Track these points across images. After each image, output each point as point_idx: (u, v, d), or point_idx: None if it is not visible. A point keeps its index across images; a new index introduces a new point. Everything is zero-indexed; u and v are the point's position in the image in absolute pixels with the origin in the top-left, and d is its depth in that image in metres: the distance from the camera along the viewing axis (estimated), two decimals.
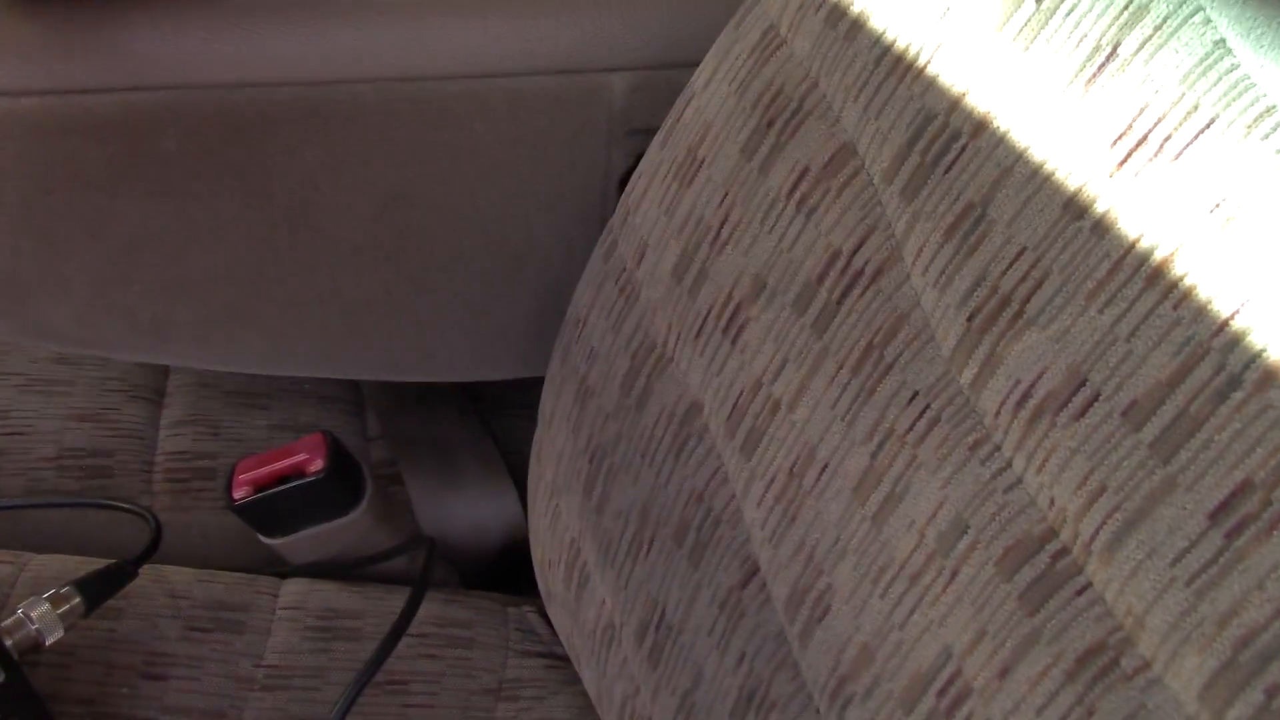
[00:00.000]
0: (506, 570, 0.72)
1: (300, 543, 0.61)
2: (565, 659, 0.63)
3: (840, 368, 0.40)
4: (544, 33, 0.55)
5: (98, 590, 0.56)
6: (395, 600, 0.63)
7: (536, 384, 0.66)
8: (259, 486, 0.59)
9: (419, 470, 0.70)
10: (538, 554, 0.60)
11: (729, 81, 0.47)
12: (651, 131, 0.59)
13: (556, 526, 0.56)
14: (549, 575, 0.58)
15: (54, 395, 0.69)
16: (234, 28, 0.52)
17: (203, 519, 0.67)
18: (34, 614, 0.54)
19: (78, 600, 0.55)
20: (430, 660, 0.60)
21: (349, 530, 0.62)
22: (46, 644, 0.54)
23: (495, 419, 0.76)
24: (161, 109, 0.53)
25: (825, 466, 0.40)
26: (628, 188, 0.52)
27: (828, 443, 0.40)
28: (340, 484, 0.60)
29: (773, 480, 0.43)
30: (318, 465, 0.58)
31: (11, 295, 0.56)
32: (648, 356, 0.49)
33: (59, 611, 0.54)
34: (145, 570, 0.59)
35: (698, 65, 0.56)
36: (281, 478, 0.58)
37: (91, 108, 0.52)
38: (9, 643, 0.53)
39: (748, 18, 0.48)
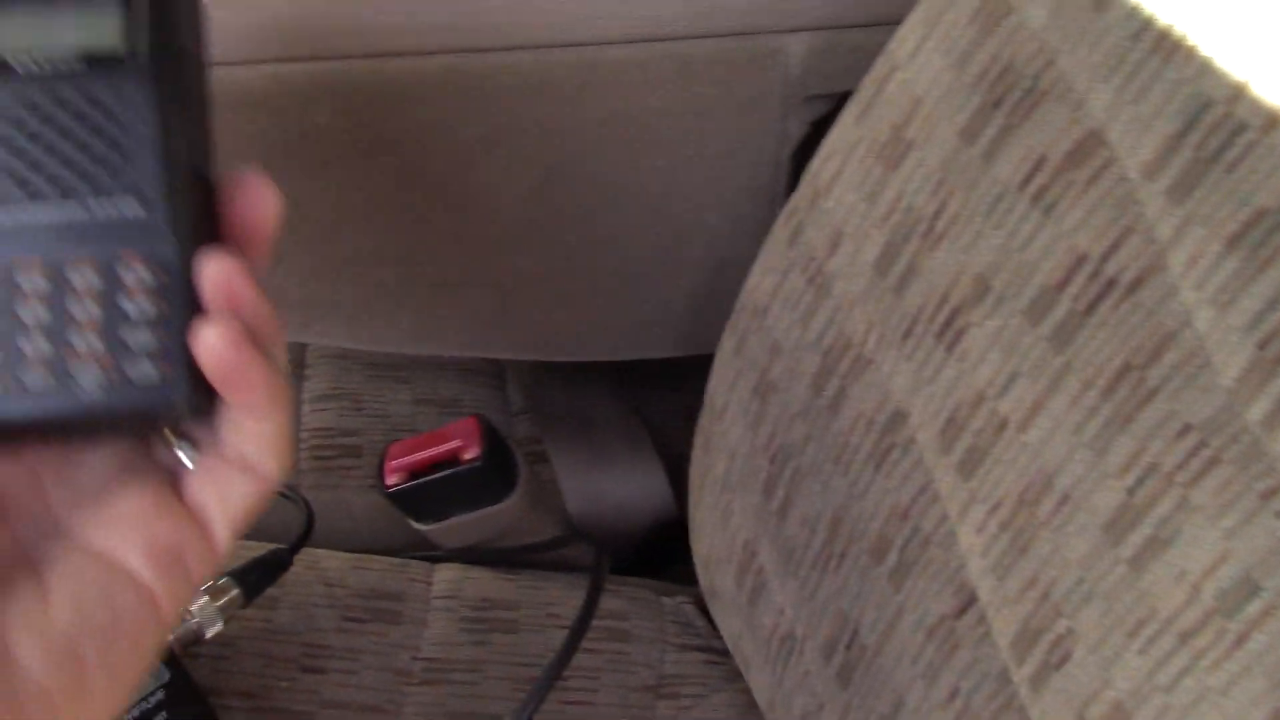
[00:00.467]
0: (652, 553, 0.70)
1: (451, 528, 0.59)
2: (724, 653, 0.61)
3: (1087, 388, 0.36)
4: None
5: (255, 580, 0.55)
6: (549, 590, 0.60)
7: (683, 359, 0.63)
8: (413, 473, 0.57)
9: (565, 448, 0.68)
10: (701, 548, 0.57)
11: (943, 53, 0.42)
12: (831, 98, 0.54)
13: (728, 525, 0.53)
14: (715, 573, 0.55)
15: None
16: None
17: (348, 498, 0.65)
18: (194, 607, 0.53)
19: (236, 592, 0.54)
20: (587, 655, 0.58)
21: (501, 516, 0.59)
22: (206, 637, 0.53)
23: (640, 394, 0.73)
24: (313, 81, 0.50)
25: (1066, 498, 0.36)
26: (815, 167, 0.48)
27: (1069, 471, 0.36)
28: (495, 472, 0.57)
29: (998, 505, 0.39)
30: (473, 453, 0.56)
31: None
32: (842, 356, 0.45)
33: (218, 604, 0.53)
34: (298, 556, 0.57)
35: (886, 24, 0.51)
36: (435, 464, 0.56)
37: (242, 80, 0.49)
38: (170, 638, 0.52)
39: None
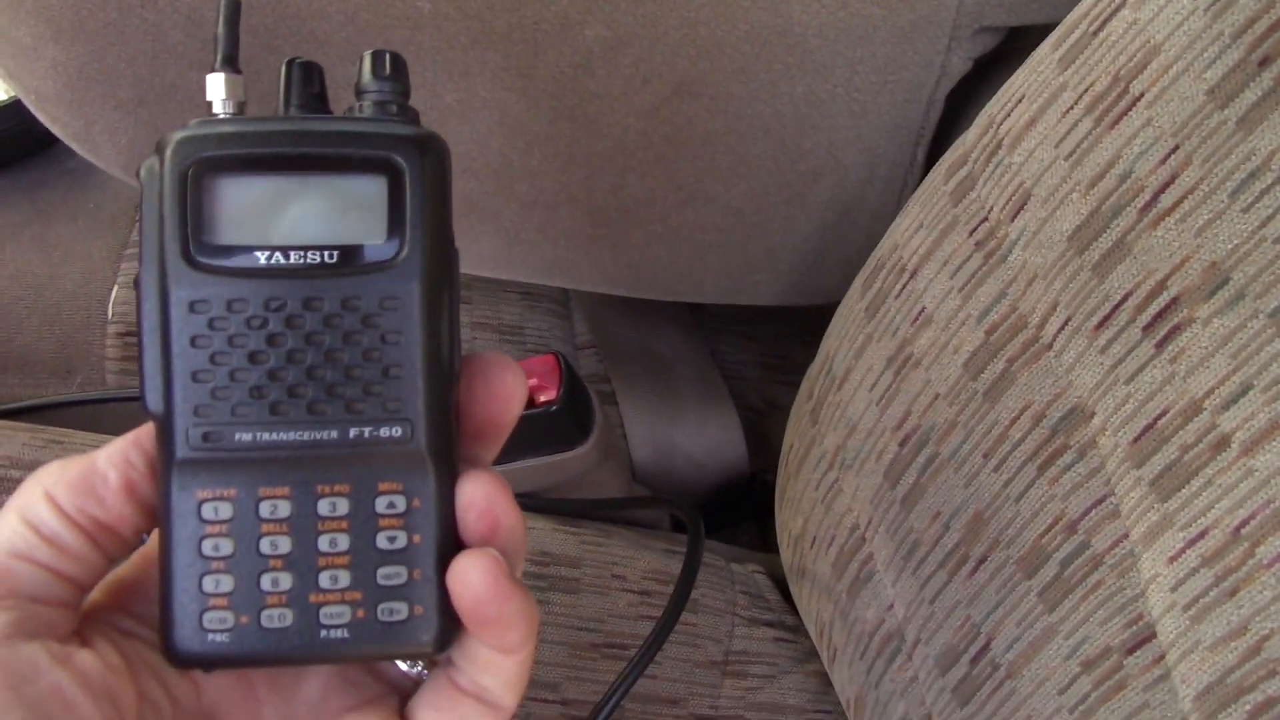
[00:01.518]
0: (719, 512, 0.65)
1: (520, 472, 0.54)
2: (796, 630, 0.56)
3: None
4: None
5: None
6: (611, 548, 0.55)
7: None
8: None
9: (635, 392, 0.62)
10: (793, 524, 0.51)
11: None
12: (1003, 32, 0.48)
13: (833, 505, 0.47)
14: (809, 553, 0.50)
15: None
16: None
17: None
18: None
19: None
20: (652, 624, 0.53)
21: (571, 464, 0.54)
22: None
23: (713, 338, 0.67)
24: None
25: None
26: (995, 111, 0.41)
27: None
28: (572, 417, 0.52)
29: (1203, 535, 0.33)
30: (551, 395, 0.50)
31: None
32: (1013, 336, 0.39)
33: None
34: None
35: None
36: None
37: None
38: None
39: None
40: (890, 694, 0.45)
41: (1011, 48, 0.48)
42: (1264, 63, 0.33)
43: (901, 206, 0.50)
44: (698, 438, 0.62)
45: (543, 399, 0.51)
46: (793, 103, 0.47)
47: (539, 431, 0.52)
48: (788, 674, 0.55)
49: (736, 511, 0.66)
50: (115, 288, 0.60)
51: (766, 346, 0.68)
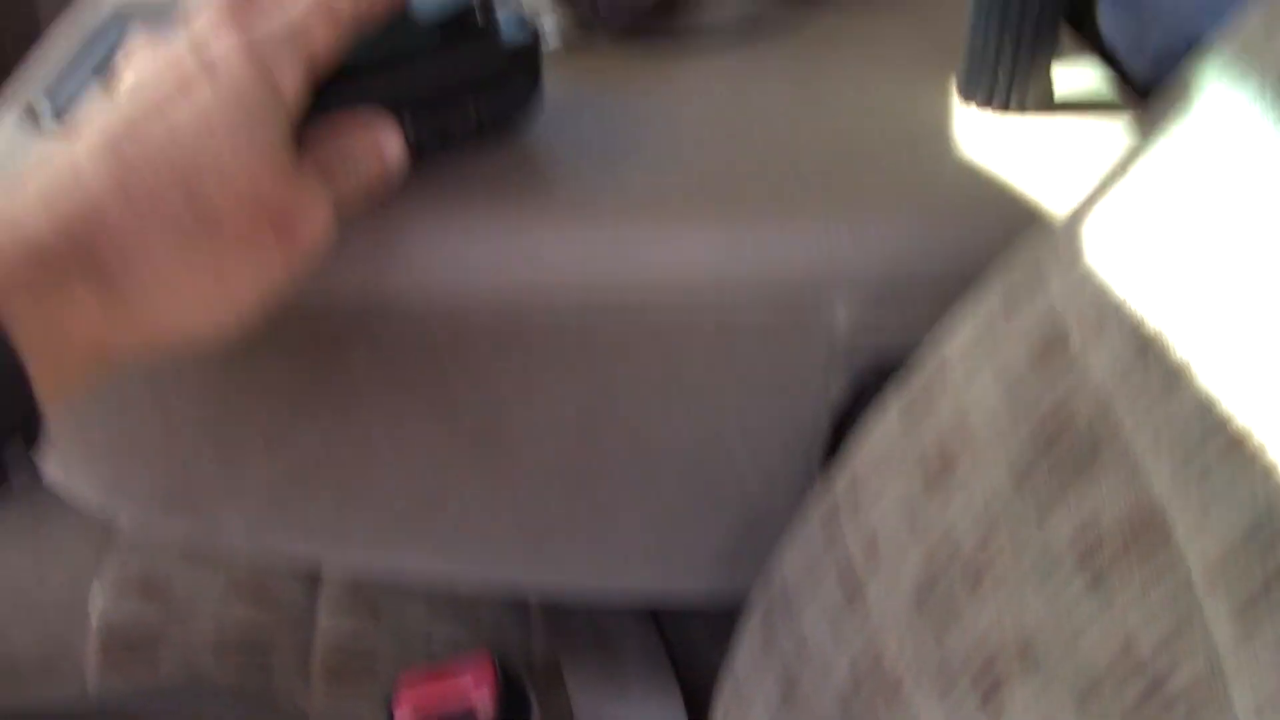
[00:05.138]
0: None
1: None
2: None
3: None
4: (766, 254, 0.49)
5: None
6: None
7: None
8: (422, 713, 0.55)
9: (582, 669, 0.65)
10: None
11: (998, 383, 0.40)
12: (876, 367, 0.53)
13: None
14: None
15: (215, 566, 0.66)
16: (426, 242, 0.48)
17: (359, 710, 0.63)
18: None
19: None
20: None
21: None
22: None
23: (664, 619, 0.70)
24: (348, 326, 0.49)
25: None
26: (856, 458, 0.46)
27: None
28: None
29: None
30: (485, 701, 0.54)
31: (186, 501, 0.54)
32: (877, 684, 0.42)
33: None
34: None
35: (934, 285, 0.50)
36: (446, 710, 0.54)
37: (278, 320, 0.48)
38: None
39: (1024, 307, 0.41)
40: None
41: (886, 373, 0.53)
42: (1051, 450, 0.37)
43: (804, 506, 0.55)
44: (640, 714, 0.65)
45: (478, 705, 0.54)
46: (689, 427, 0.52)
47: None
48: None
49: None
50: (93, 581, 0.65)
51: (717, 621, 0.72)
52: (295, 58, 0.42)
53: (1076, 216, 0.42)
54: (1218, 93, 0.38)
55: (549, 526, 0.55)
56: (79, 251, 0.37)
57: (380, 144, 0.45)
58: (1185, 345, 0.35)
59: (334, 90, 0.46)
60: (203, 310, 0.40)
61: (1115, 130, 0.54)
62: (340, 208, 0.44)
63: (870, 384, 0.53)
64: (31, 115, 0.53)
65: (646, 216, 0.49)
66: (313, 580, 0.67)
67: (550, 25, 0.52)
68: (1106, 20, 1.77)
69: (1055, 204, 0.49)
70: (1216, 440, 0.32)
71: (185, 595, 0.64)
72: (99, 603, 0.64)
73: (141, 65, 0.42)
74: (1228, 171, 0.36)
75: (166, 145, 0.38)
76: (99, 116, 0.40)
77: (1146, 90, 1.64)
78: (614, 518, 0.55)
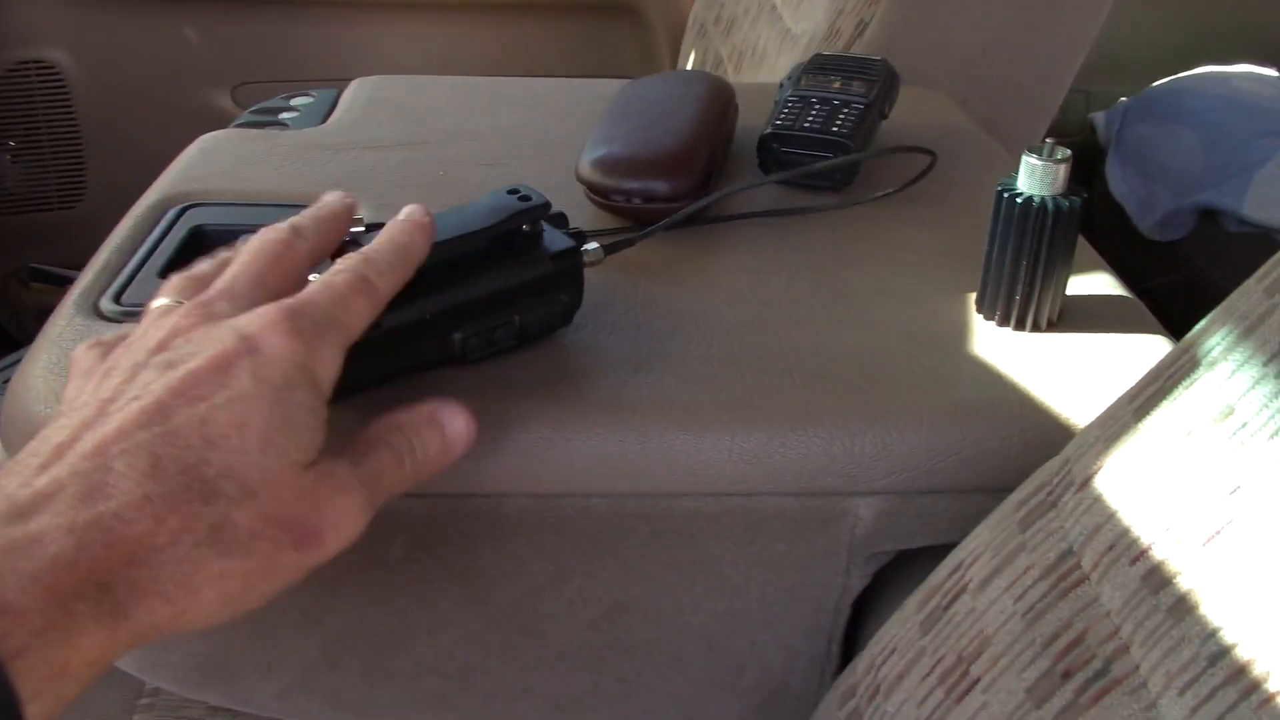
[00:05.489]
0: None
1: None
2: None
3: None
4: (790, 456, 0.51)
5: None
6: None
7: None
8: None
9: None
10: None
11: (1014, 597, 0.43)
12: (894, 553, 0.55)
13: None
14: None
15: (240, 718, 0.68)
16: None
17: None
18: None
19: None
20: None
21: None
22: None
23: None
24: (391, 516, 0.51)
25: None
26: (874, 653, 0.48)
27: None
28: None
29: None
30: None
31: (221, 672, 0.55)
32: None
33: None
34: None
35: (952, 490, 0.53)
36: None
37: None
38: None
39: (1038, 523, 0.44)
40: None
41: (906, 558, 0.56)
42: (1066, 675, 0.39)
43: (824, 690, 0.56)
44: None
45: None
46: (715, 615, 0.54)
47: None
48: None
49: None
50: None
51: None
52: (335, 339, 0.41)
53: (1086, 441, 0.45)
54: (1218, 364, 0.41)
55: (575, 703, 0.57)
56: (97, 574, 0.34)
57: (447, 437, 0.45)
58: (1190, 575, 0.37)
59: (386, 305, 0.49)
60: (207, 615, 0.38)
61: (1125, 348, 0.57)
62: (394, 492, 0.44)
63: (888, 571, 0.55)
64: (94, 309, 0.56)
65: (677, 423, 0.51)
66: None
67: (593, 244, 0.56)
68: (1115, 180, 1.83)
69: (1068, 419, 0.52)
70: (1223, 666, 0.35)
71: None
72: None
73: (187, 332, 0.40)
74: (1225, 429, 0.39)
75: (198, 444, 0.36)
76: (136, 392, 0.38)
77: (1153, 242, 1.67)
78: (639, 696, 0.57)
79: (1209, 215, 1.46)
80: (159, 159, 0.85)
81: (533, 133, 0.80)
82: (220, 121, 0.84)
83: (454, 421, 0.45)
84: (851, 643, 0.57)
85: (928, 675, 0.45)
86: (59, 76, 1.57)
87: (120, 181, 1.63)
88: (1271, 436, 0.37)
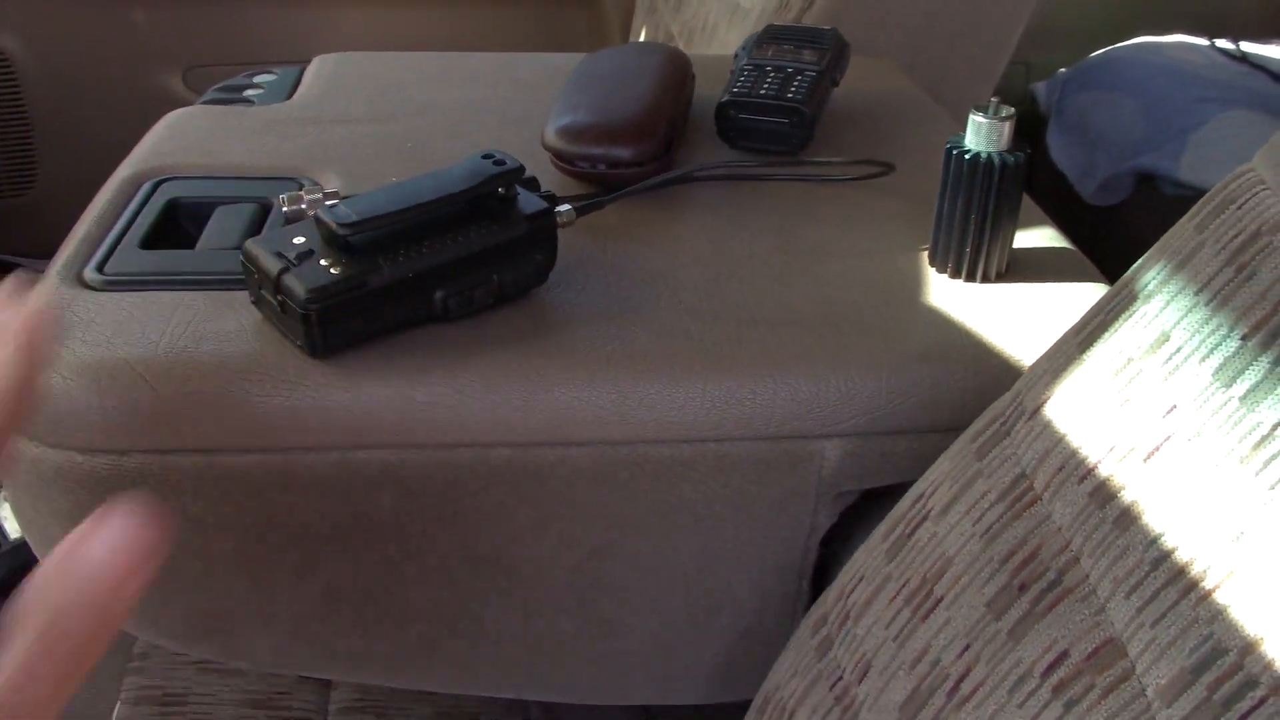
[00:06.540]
0: None
1: None
2: None
3: None
4: (760, 401, 0.54)
5: None
6: None
7: None
8: None
9: None
10: None
11: (972, 520, 0.46)
12: (858, 492, 0.58)
13: None
14: None
15: (229, 675, 0.69)
16: (453, 393, 0.53)
17: None
18: None
19: None
20: None
21: None
22: None
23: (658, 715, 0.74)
24: (379, 468, 0.53)
25: None
26: (845, 582, 0.51)
27: None
28: None
29: None
30: None
31: (219, 626, 0.57)
32: None
33: None
34: None
35: (912, 431, 0.56)
36: None
37: (311, 465, 0.53)
38: None
39: (993, 452, 0.47)
40: None
41: (870, 498, 0.59)
42: (1022, 588, 0.43)
43: (796, 625, 0.59)
44: None
45: None
46: (691, 556, 0.57)
47: None
48: None
49: None
50: (118, 704, 0.68)
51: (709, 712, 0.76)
52: None
53: (1035, 374, 0.48)
54: (1154, 296, 0.44)
55: (559, 645, 0.60)
56: None
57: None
58: (1133, 489, 0.41)
59: (370, 266, 0.51)
60: None
61: (1068, 295, 0.61)
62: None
63: (854, 511, 0.59)
64: (78, 279, 0.58)
65: (650, 372, 0.54)
66: (323, 686, 0.70)
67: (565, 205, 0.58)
68: (1056, 148, 1.87)
69: (1018, 361, 0.56)
70: (1164, 568, 0.38)
71: (201, 706, 0.67)
72: (120, 714, 0.67)
73: None
74: (1160, 359, 0.42)
75: None
76: None
77: (1094, 208, 1.71)
78: (619, 636, 0.60)
79: (1147, 180, 1.51)
80: (110, 144, 0.85)
81: (495, 105, 0.82)
82: (172, 104, 0.85)
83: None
84: (821, 582, 0.60)
85: (894, 598, 0.48)
86: (7, 63, 1.56)
87: (71, 167, 1.63)
88: (1202, 360, 0.40)
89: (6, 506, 0.75)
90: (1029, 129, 1.72)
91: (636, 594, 0.58)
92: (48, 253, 0.62)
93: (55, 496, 0.53)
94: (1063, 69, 1.74)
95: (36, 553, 0.57)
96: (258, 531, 0.54)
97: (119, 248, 0.61)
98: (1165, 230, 0.47)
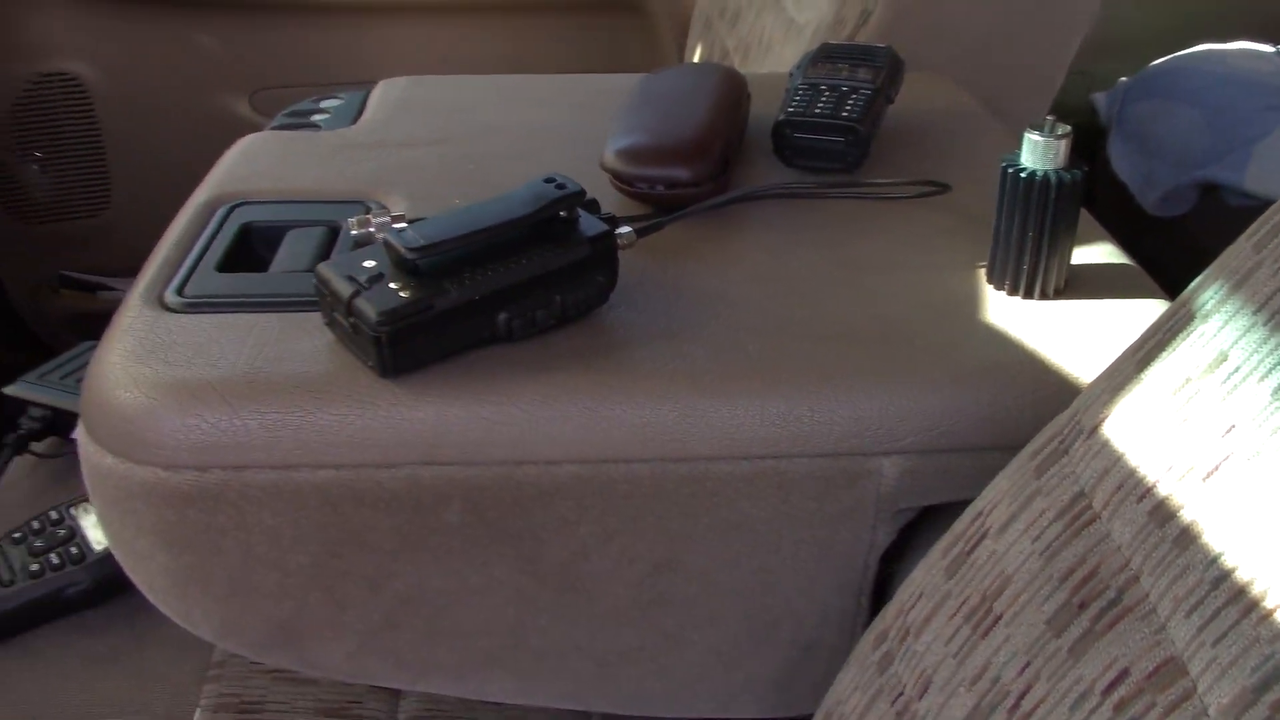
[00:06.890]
0: None
1: None
2: None
3: None
4: (818, 418, 0.55)
5: None
6: None
7: None
8: None
9: None
10: None
11: (1031, 538, 0.46)
12: (918, 509, 0.59)
13: None
14: None
15: (302, 684, 0.72)
16: (519, 411, 0.54)
17: None
18: None
19: None
20: None
21: None
22: None
23: None
24: (448, 483, 0.55)
25: None
26: (903, 599, 0.52)
27: None
28: None
29: None
30: None
31: (294, 636, 0.59)
32: None
33: None
34: None
35: (970, 448, 0.56)
36: None
37: (382, 481, 0.55)
38: None
39: (1051, 470, 0.47)
40: None
41: (929, 514, 0.59)
42: (1082, 606, 0.43)
43: (855, 641, 0.60)
44: None
45: None
46: (751, 572, 0.58)
47: None
48: None
49: None
50: (198, 710, 0.70)
51: None
52: None
53: (1093, 393, 0.49)
54: (1212, 316, 0.44)
55: (621, 658, 0.61)
56: None
57: None
58: (1193, 508, 0.41)
59: (437, 289, 0.52)
60: None
61: (1127, 312, 0.61)
62: None
63: (913, 527, 0.59)
64: (159, 301, 0.60)
65: (710, 390, 0.55)
66: (392, 695, 0.72)
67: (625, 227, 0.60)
68: (1117, 158, 1.85)
69: (1076, 378, 0.56)
70: (1225, 588, 0.38)
71: (277, 713, 0.69)
72: None
73: None
74: (1218, 378, 0.43)
75: None
76: None
77: (1158, 219, 1.69)
78: (680, 651, 0.61)
79: (1210, 190, 1.49)
80: (180, 166, 0.88)
81: (555, 126, 0.83)
82: (238, 127, 0.88)
83: None
84: (880, 598, 0.61)
85: (954, 615, 0.48)
86: (81, 88, 1.61)
87: (143, 188, 1.68)
88: (1261, 379, 0.41)
89: (92, 517, 0.78)
90: (1089, 140, 1.70)
91: (698, 608, 0.59)
92: (122, 270, 0.65)
93: (139, 510, 0.55)
94: (1123, 78, 1.72)
95: (121, 563, 0.59)
96: (331, 545, 0.56)
97: (196, 271, 0.63)
98: (1231, 243, 0.47)
